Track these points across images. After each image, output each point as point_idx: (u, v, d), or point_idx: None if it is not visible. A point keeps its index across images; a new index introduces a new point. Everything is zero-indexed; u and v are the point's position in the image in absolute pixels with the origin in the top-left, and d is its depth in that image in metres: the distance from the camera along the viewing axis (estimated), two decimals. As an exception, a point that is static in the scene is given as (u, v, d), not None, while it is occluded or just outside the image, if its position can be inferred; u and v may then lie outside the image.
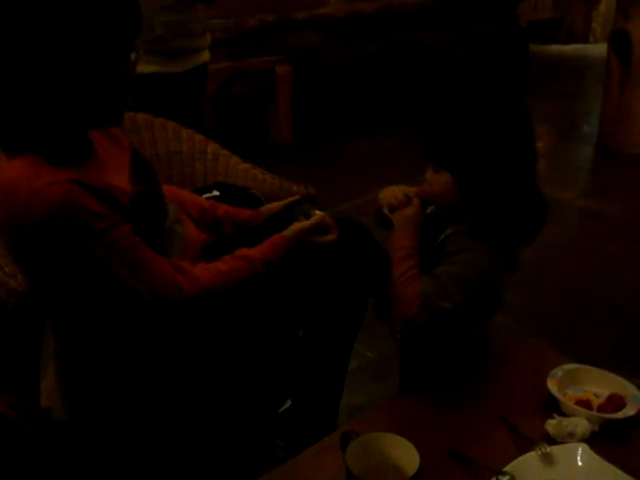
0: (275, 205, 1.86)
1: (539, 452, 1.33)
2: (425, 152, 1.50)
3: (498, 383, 1.58)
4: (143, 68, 1.84)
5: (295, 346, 1.91)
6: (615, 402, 1.47)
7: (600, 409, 1.46)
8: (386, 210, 1.63)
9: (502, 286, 1.57)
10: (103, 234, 1.38)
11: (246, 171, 2.12)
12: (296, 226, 1.69)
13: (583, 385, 1.54)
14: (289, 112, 4.74)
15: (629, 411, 1.44)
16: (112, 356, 1.59)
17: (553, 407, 1.47)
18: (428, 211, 1.59)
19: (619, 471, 1.30)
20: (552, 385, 1.49)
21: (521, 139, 1.48)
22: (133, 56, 1.40)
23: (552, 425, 1.41)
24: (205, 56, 2.96)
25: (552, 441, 1.39)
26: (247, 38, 4.75)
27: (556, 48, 7.88)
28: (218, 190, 1.99)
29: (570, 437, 1.39)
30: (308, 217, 1.72)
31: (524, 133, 1.48)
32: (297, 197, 1.90)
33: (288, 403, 2.06)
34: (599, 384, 1.53)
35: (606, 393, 1.51)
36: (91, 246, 1.38)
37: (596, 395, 1.52)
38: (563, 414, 1.45)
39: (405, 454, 1.22)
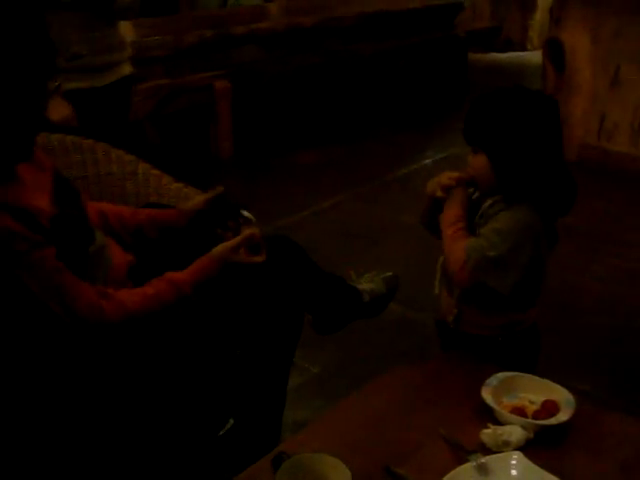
0: (197, 201, 1.84)
1: (474, 463, 1.32)
2: (466, 137, 1.68)
3: (433, 394, 1.57)
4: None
5: (233, 365, 1.89)
6: (549, 408, 1.48)
7: (535, 416, 1.47)
8: (440, 193, 1.72)
9: (543, 251, 1.70)
10: (24, 255, 1.35)
11: (178, 190, 2.09)
12: (223, 246, 1.66)
13: (518, 392, 1.54)
14: (230, 127, 4.71)
15: (562, 417, 1.45)
16: (35, 378, 1.54)
17: (489, 416, 1.47)
18: (474, 197, 1.73)
19: (553, 477, 1.30)
20: (486, 394, 1.49)
21: (548, 123, 1.65)
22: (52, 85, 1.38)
23: (487, 435, 1.41)
24: (126, 69, 2.94)
25: (488, 451, 1.39)
26: (185, 54, 4.70)
27: (494, 56, 8.01)
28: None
29: (505, 446, 1.39)
30: (236, 222, 1.70)
31: (551, 118, 1.65)
32: (220, 190, 1.87)
33: (231, 423, 2.04)
34: (534, 391, 1.54)
35: (541, 399, 1.51)
36: (12, 268, 1.35)
37: (531, 402, 1.52)
38: (499, 423, 1.45)
39: (337, 474, 1.20)
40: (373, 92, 5.74)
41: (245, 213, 1.76)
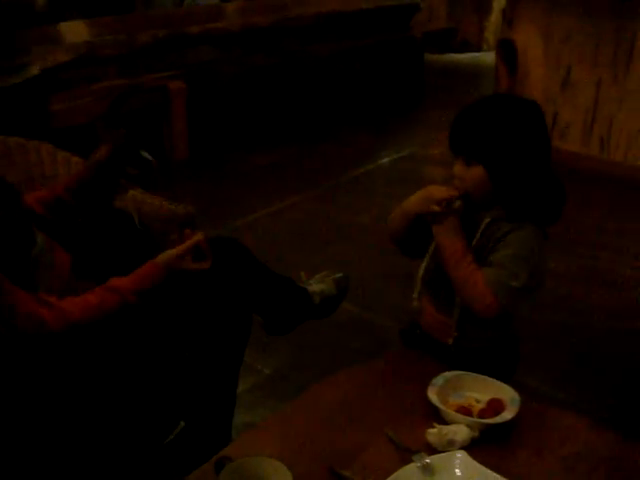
0: (100, 152, 1.83)
1: (418, 463, 1.32)
2: (457, 148, 1.65)
3: (380, 394, 1.57)
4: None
5: (182, 367, 1.87)
6: (495, 407, 1.49)
7: (480, 415, 1.47)
8: (437, 207, 1.65)
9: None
10: None
11: (124, 191, 2.06)
12: (168, 253, 1.65)
13: (464, 391, 1.55)
14: (184, 128, 4.66)
15: (507, 415, 1.46)
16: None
17: (435, 416, 1.47)
18: (456, 206, 1.65)
19: (497, 476, 1.31)
20: (432, 394, 1.49)
21: (541, 131, 1.66)
22: None
23: (432, 434, 1.41)
24: (33, 70, 2.89)
25: (434, 451, 1.39)
26: (139, 54, 4.65)
27: (451, 57, 8.06)
28: None
29: (450, 445, 1.40)
30: (137, 166, 1.70)
31: (542, 126, 1.66)
32: (121, 140, 1.86)
33: (181, 425, 2.02)
34: (480, 390, 1.55)
35: (487, 398, 1.52)
36: None
37: (477, 401, 1.53)
38: (445, 422, 1.45)
39: (278, 477, 1.19)
40: (330, 93, 5.73)
41: (145, 154, 1.76)
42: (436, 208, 1.65)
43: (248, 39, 5.24)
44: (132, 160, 1.83)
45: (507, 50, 4.69)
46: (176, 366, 1.83)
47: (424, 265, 1.76)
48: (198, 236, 1.70)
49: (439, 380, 1.53)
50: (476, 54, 8.13)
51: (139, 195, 2.06)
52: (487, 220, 1.65)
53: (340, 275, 2.35)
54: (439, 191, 1.66)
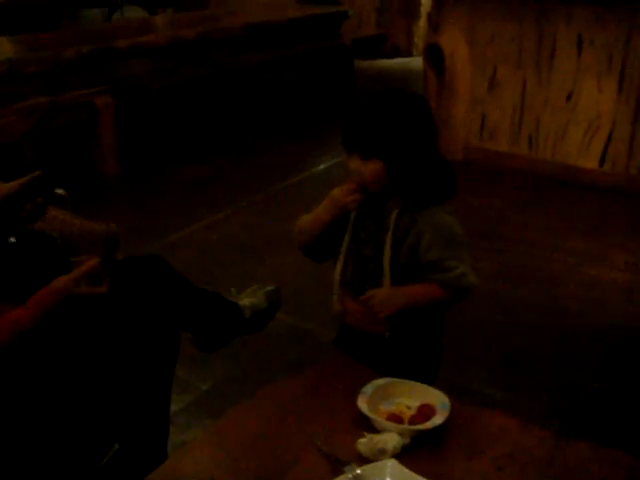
0: (12, 185, 1.78)
1: (349, 474, 1.31)
2: (352, 145, 1.69)
3: (312, 405, 1.56)
4: None
5: (112, 389, 1.83)
6: (425, 413, 1.48)
7: (411, 421, 1.47)
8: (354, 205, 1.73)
9: None
10: None
11: (55, 217, 2.01)
12: (61, 279, 1.61)
13: (395, 399, 1.54)
14: (114, 144, 4.59)
15: (438, 420, 1.45)
16: None
17: (366, 425, 1.46)
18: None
19: (428, 482, 1.31)
20: (362, 402, 1.48)
21: (428, 120, 1.73)
22: None
23: (363, 444, 1.40)
24: None
25: (365, 460, 1.38)
26: (64, 70, 4.56)
27: (382, 63, 8.15)
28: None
29: (381, 454, 1.39)
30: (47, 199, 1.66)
31: (429, 115, 1.73)
32: (36, 174, 1.82)
33: (116, 447, 1.97)
34: (410, 396, 1.54)
35: (417, 404, 1.52)
36: None
37: (408, 407, 1.53)
38: (376, 431, 1.45)
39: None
40: (261, 103, 5.72)
41: (59, 191, 1.73)
42: (348, 199, 1.70)
43: (177, 52, 5.20)
44: (45, 196, 1.78)
45: (434, 54, 4.75)
46: (105, 388, 1.79)
47: (339, 267, 1.80)
48: (92, 261, 1.67)
49: (368, 389, 1.52)
50: (406, 59, 8.24)
51: (60, 216, 2.01)
52: (396, 212, 1.71)
53: (271, 288, 2.33)
54: (341, 193, 1.71)
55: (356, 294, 1.77)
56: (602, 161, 4.42)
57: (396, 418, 1.47)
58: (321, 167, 4.91)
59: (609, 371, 2.70)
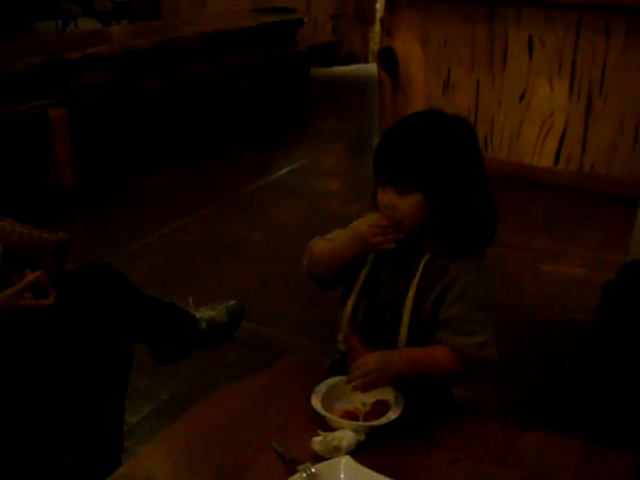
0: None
1: (303, 474, 1.30)
2: (387, 176, 1.47)
3: (265, 407, 1.55)
4: None
5: (65, 402, 1.80)
6: (379, 409, 1.48)
7: (366, 418, 1.47)
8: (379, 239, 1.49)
9: None
10: None
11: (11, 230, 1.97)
12: (4, 292, 1.59)
13: (350, 396, 1.54)
14: (69, 155, 4.53)
15: (392, 415, 1.45)
16: None
17: (322, 424, 1.45)
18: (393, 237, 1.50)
19: (382, 477, 1.30)
20: (316, 401, 1.47)
21: (475, 148, 1.52)
22: None
23: (317, 442, 1.39)
24: None
25: (321, 459, 1.37)
26: (17, 82, 4.50)
27: (339, 69, 8.19)
28: None
29: (337, 451, 1.38)
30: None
31: (475, 142, 1.53)
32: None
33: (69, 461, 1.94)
34: (365, 393, 1.54)
35: (372, 401, 1.51)
36: None
37: (363, 404, 1.52)
38: (332, 429, 1.44)
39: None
40: (217, 111, 5.70)
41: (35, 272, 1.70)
42: (378, 240, 1.49)
43: (130, 62, 5.17)
44: None
45: (388, 58, 4.78)
46: (56, 402, 1.76)
47: (350, 305, 1.60)
48: (36, 273, 1.65)
49: (322, 387, 1.51)
50: (362, 65, 8.28)
51: (9, 226, 1.98)
52: (427, 257, 1.51)
53: (233, 302, 2.31)
54: (370, 231, 1.49)
55: (367, 340, 1.59)
56: (557, 159, 4.48)
57: (351, 415, 1.47)
58: (279, 174, 4.91)
59: (567, 365, 2.73)
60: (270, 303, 3.20)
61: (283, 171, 4.95)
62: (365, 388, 1.47)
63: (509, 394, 2.58)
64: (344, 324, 1.62)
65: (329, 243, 1.60)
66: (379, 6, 8.00)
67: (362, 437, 1.41)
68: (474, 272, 1.50)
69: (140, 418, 2.48)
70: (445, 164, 1.46)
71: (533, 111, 4.50)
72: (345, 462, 1.32)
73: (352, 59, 8.46)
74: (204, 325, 2.12)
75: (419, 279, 1.51)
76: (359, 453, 1.37)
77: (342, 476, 1.30)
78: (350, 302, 1.60)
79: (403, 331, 1.52)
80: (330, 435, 1.40)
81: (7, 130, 4.33)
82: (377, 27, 8.23)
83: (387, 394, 1.52)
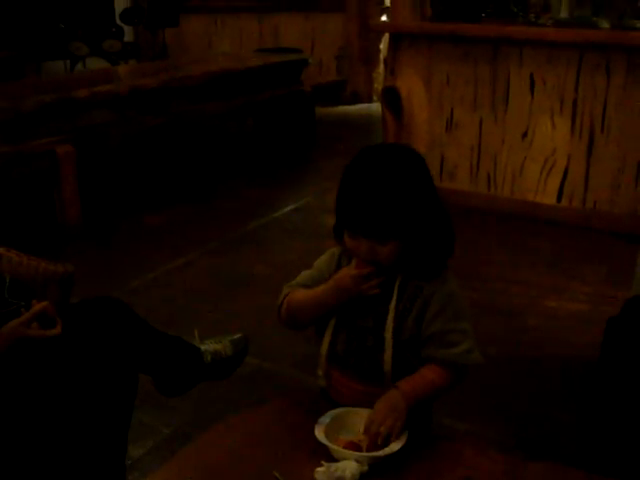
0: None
1: (307, 503, 1.30)
2: (367, 232, 1.49)
3: (268, 437, 1.55)
4: None
5: (65, 435, 1.79)
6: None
7: (369, 449, 1.46)
8: (363, 287, 1.54)
9: None
10: None
11: (0, 256, 2.00)
12: (11, 322, 1.61)
13: (353, 427, 1.54)
14: (76, 192, 4.57)
15: (395, 446, 1.45)
16: None
17: (325, 455, 1.45)
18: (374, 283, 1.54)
19: (386, 508, 1.30)
20: (319, 432, 1.47)
21: (431, 179, 1.56)
22: None
23: (321, 472, 1.39)
24: None
25: (324, 489, 1.37)
26: (25, 120, 4.56)
27: (343, 109, 8.28)
28: None
29: (340, 482, 1.38)
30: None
31: (429, 173, 1.56)
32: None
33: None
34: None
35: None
36: None
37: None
38: (335, 460, 1.44)
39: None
40: (222, 149, 5.77)
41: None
42: (364, 287, 1.53)
43: (138, 101, 5.23)
44: None
45: (392, 97, 4.84)
46: (59, 432, 1.76)
47: (327, 339, 1.61)
48: (43, 303, 1.66)
49: (326, 418, 1.51)
50: (366, 105, 8.37)
51: (16, 257, 2.00)
52: (399, 279, 1.55)
53: (238, 336, 2.33)
54: (353, 281, 1.53)
55: (350, 370, 1.62)
56: (559, 196, 4.51)
57: (354, 446, 1.47)
58: (282, 212, 4.95)
59: (571, 401, 2.72)
60: (273, 339, 3.20)
61: (287, 209, 4.98)
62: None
63: (513, 429, 2.57)
64: (322, 360, 1.64)
65: (309, 295, 1.61)
66: (383, 46, 8.11)
67: (365, 468, 1.41)
68: (447, 285, 1.57)
69: (143, 452, 2.47)
70: (418, 208, 1.50)
71: (535, 149, 4.54)
72: (348, 492, 1.32)
73: (356, 99, 8.56)
74: (209, 358, 2.12)
75: (396, 301, 1.55)
76: (362, 484, 1.38)
77: (345, 506, 1.30)
78: (326, 337, 1.62)
79: (387, 355, 1.55)
80: (333, 465, 1.40)
81: (15, 166, 4.38)
82: (381, 67, 8.36)
83: (391, 425, 1.52)
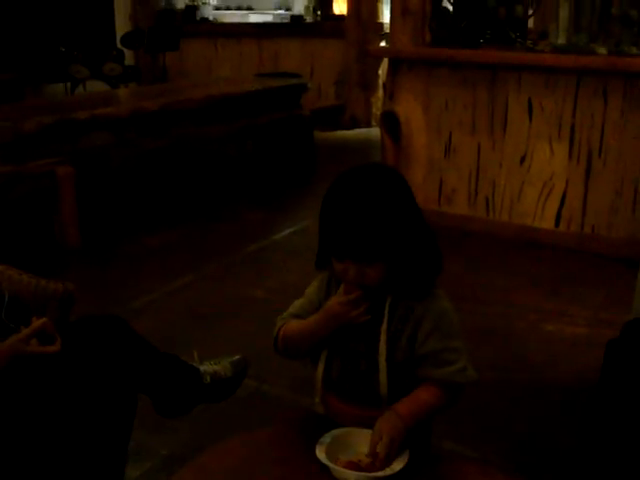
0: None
1: (308, 523, 1.29)
2: (354, 256, 1.49)
3: (268, 458, 1.54)
4: None
5: (66, 452, 1.78)
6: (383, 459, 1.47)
7: (369, 469, 1.46)
8: (353, 315, 1.54)
9: None
10: None
11: (0, 273, 1.99)
12: (10, 339, 1.60)
13: (355, 447, 1.53)
14: (75, 213, 4.58)
15: (397, 466, 1.44)
16: None
17: (327, 475, 1.44)
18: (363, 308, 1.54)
19: (388, 529, 1.29)
20: (320, 452, 1.47)
21: (414, 199, 1.55)
22: None
23: (322, 493, 1.38)
24: None
25: (325, 509, 1.37)
26: (25, 141, 4.58)
27: (342, 133, 8.33)
28: None
29: (341, 502, 1.37)
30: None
31: (413, 198, 1.56)
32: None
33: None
34: (369, 443, 1.53)
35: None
36: None
37: (368, 455, 1.51)
38: (335, 480, 1.43)
39: None
40: (222, 172, 5.79)
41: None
42: (354, 314, 1.53)
43: (138, 123, 5.26)
44: None
45: (390, 121, 4.87)
46: (57, 451, 1.74)
47: (322, 365, 1.61)
48: (42, 320, 1.66)
49: (327, 438, 1.51)
50: (365, 130, 8.41)
51: (16, 275, 2.00)
52: (389, 300, 1.55)
53: (237, 357, 2.33)
54: (342, 308, 1.53)
55: (347, 395, 1.61)
56: (557, 221, 4.52)
57: (354, 466, 1.46)
58: (282, 234, 4.96)
59: (571, 425, 2.71)
60: (272, 361, 3.17)
61: (286, 232, 4.99)
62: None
63: (513, 453, 2.55)
64: (318, 386, 1.63)
65: (301, 326, 1.61)
66: (382, 72, 8.17)
67: (366, 488, 1.40)
68: (438, 304, 1.56)
69: (140, 473, 2.45)
70: (402, 227, 1.50)
71: (534, 174, 4.56)
72: (350, 512, 1.31)
73: (355, 123, 8.60)
74: (208, 379, 2.12)
75: (387, 323, 1.54)
76: (363, 504, 1.37)
77: (347, 526, 1.29)
78: (321, 363, 1.62)
79: (382, 377, 1.54)
80: (335, 486, 1.39)
81: (15, 186, 4.39)
82: (379, 92, 8.41)
83: (392, 445, 1.51)
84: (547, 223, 4.56)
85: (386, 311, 1.55)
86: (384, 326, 1.54)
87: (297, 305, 1.69)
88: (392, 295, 1.55)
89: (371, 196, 1.49)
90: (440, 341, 1.53)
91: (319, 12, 10.35)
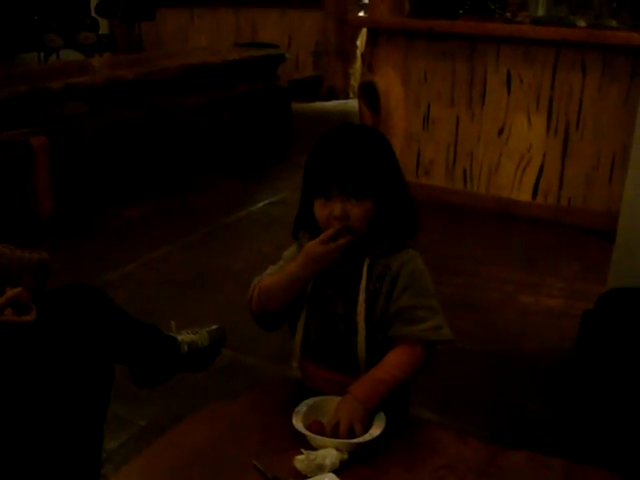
0: None
1: (287, 490, 1.30)
2: (347, 190, 1.50)
3: (246, 427, 1.54)
4: None
5: (44, 422, 1.77)
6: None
7: (332, 432, 1.46)
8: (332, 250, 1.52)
9: None
10: None
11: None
12: None
13: (330, 415, 1.53)
14: (49, 184, 4.52)
15: (375, 432, 1.45)
16: None
17: (304, 443, 1.45)
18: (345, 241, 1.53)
19: (366, 495, 1.30)
20: (297, 421, 1.47)
21: (397, 160, 1.62)
22: None
23: (300, 460, 1.38)
24: None
25: (304, 477, 1.37)
26: (-1, 110, 4.51)
27: (320, 105, 8.28)
28: None
29: (320, 470, 1.37)
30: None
31: (395, 155, 1.63)
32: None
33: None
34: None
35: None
36: None
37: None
38: (314, 448, 1.43)
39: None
40: (198, 143, 5.74)
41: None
42: (332, 248, 1.51)
43: (113, 92, 5.18)
44: None
45: (369, 92, 4.84)
46: (33, 422, 1.73)
47: (300, 330, 1.61)
48: (17, 289, 1.64)
49: (302, 407, 1.51)
50: (343, 101, 8.37)
51: (-11, 245, 1.96)
52: (367, 261, 1.55)
53: (215, 327, 2.32)
54: (321, 244, 1.52)
55: (324, 359, 1.62)
56: (535, 193, 4.54)
57: (318, 425, 1.45)
58: (259, 205, 4.94)
59: (545, 393, 2.74)
60: (247, 332, 3.17)
61: (263, 203, 4.97)
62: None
63: (489, 422, 2.58)
64: (297, 351, 1.63)
65: (280, 275, 1.60)
66: (360, 42, 8.12)
67: (345, 456, 1.40)
68: (413, 262, 1.57)
69: (118, 444, 2.44)
70: (389, 170, 1.58)
71: (511, 146, 4.57)
72: None
73: (333, 95, 8.56)
74: (186, 348, 2.11)
75: (366, 282, 1.55)
76: (342, 472, 1.37)
77: (326, 493, 1.30)
78: (299, 327, 1.61)
79: (361, 338, 1.55)
80: (313, 454, 1.39)
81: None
82: (358, 64, 8.36)
83: (370, 412, 1.51)
84: (524, 195, 4.58)
85: (364, 270, 1.55)
86: (363, 284, 1.55)
87: (273, 268, 1.68)
88: (370, 256, 1.56)
89: (359, 135, 1.60)
90: (413, 298, 1.53)
91: (298, -19, 10.25)
